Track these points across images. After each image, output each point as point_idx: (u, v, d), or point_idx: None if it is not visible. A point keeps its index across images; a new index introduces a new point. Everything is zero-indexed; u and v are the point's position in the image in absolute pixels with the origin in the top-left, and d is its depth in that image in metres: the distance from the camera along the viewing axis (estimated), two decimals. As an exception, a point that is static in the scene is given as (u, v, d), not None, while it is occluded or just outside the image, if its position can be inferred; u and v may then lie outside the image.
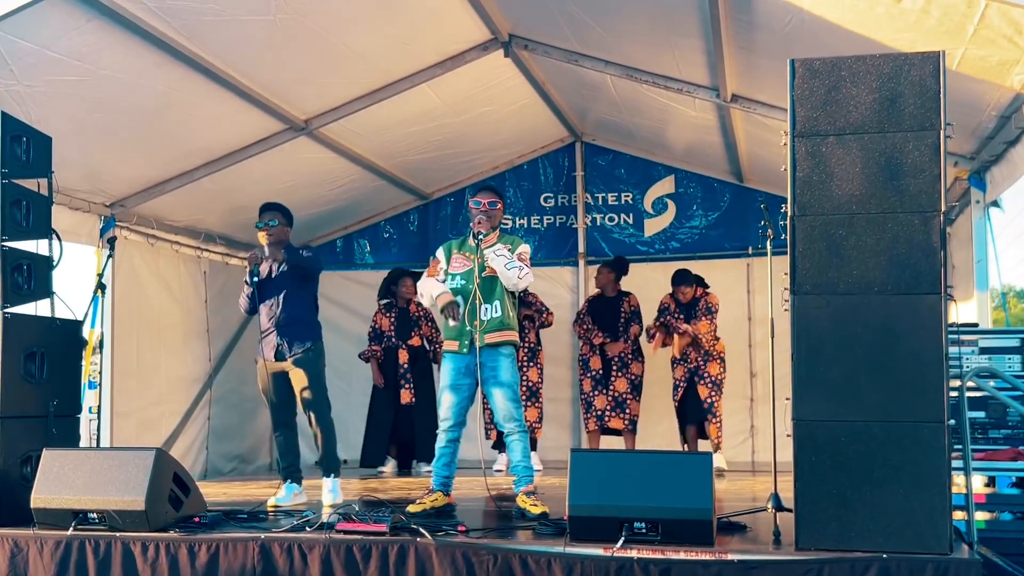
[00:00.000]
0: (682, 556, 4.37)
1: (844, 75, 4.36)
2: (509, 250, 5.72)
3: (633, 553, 4.40)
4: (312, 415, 6.33)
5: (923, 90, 4.28)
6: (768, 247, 5.15)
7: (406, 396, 8.80)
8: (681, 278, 8.54)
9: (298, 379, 6.30)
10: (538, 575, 4.49)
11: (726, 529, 4.92)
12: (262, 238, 6.41)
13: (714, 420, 8.36)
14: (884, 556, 4.17)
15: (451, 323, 5.66)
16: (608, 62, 7.37)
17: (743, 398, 9.40)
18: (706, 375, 8.35)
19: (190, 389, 9.03)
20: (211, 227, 9.15)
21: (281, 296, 6.34)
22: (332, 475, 6.42)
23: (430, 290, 5.78)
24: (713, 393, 8.36)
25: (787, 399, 4.76)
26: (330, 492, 6.37)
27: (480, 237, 5.72)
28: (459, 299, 5.67)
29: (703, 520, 4.44)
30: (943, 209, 4.23)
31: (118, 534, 4.95)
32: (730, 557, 4.33)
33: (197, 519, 5.11)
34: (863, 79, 4.34)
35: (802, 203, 4.40)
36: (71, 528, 4.98)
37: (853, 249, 4.33)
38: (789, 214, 4.41)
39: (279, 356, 6.30)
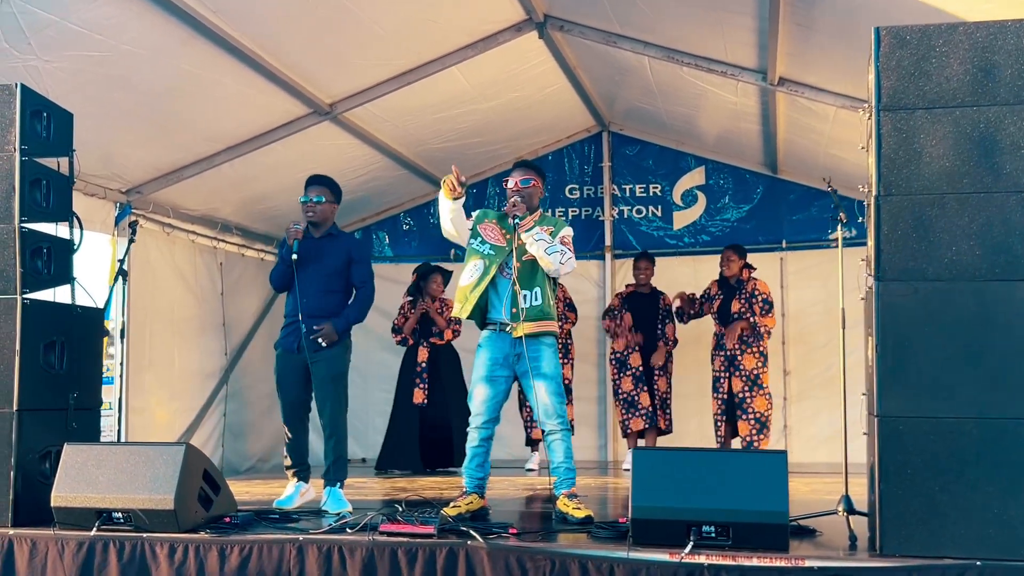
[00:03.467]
0: (755, 562, 4.06)
1: (934, 44, 4.05)
2: (550, 234, 5.29)
3: (702, 559, 4.09)
4: (326, 417, 5.80)
5: (1020, 60, 3.97)
6: (839, 232, 4.82)
7: (419, 396, 8.50)
8: (733, 246, 8.29)
9: (319, 376, 5.76)
10: (598, 582, 4.18)
11: (794, 534, 4.60)
12: (305, 214, 5.89)
13: (745, 417, 8.03)
14: (978, 563, 3.86)
15: (454, 185, 5.17)
16: (648, 43, 7.07)
17: (776, 396, 9.08)
18: (741, 367, 8.03)
19: (205, 384, 8.71)
20: (227, 217, 8.83)
21: (316, 285, 5.80)
22: (337, 485, 5.78)
23: (441, 212, 5.36)
24: (747, 388, 8.03)
25: (863, 394, 4.47)
26: (331, 503, 5.69)
27: (516, 221, 5.27)
28: (481, 264, 5.31)
29: (778, 524, 4.13)
30: (1042, 189, 3.92)
31: (145, 535, 4.63)
32: (808, 564, 4.02)
33: (228, 519, 4.79)
34: (955, 49, 4.03)
35: (887, 182, 4.07)
36: (95, 528, 4.66)
37: (943, 232, 4.01)
38: (873, 194, 4.09)
39: (302, 349, 5.73)
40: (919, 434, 3.99)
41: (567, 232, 5.39)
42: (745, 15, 6.00)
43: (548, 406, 5.24)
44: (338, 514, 5.46)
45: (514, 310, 5.26)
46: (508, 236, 5.36)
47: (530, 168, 5.53)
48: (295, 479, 5.86)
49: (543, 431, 5.36)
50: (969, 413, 3.94)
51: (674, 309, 8.49)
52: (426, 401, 8.49)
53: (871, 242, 4.16)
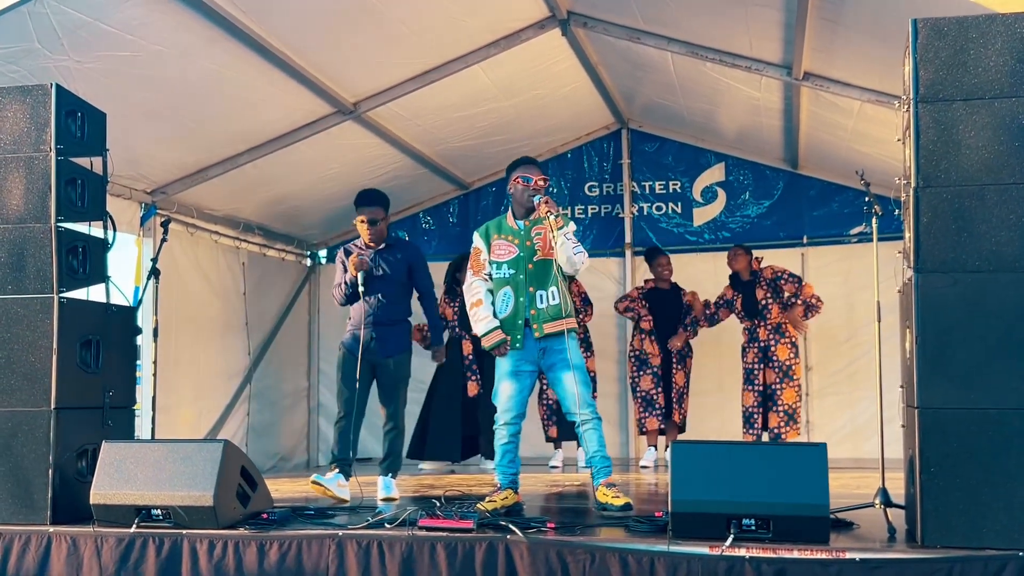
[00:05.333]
0: (796, 555, 4.05)
1: (972, 36, 4.04)
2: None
3: (743, 552, 4.09)
4: (389, 413, 6.19)
5: (1060, 51, 3.97)
6: (873, 226, 4.81)
7: (473, 388, 8.44)
8: (739, 245, 8.43)
9: (386, 378, 6.16)
10: None
11: (832, 527, 4.57)
12: (364, 234, 6.19)
13: (775, 408, 8.03)
14: (1020, 554, 3.85)
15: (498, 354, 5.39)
16: (672, 39, 7.07)
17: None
18: (775, 358, 8.04)
19: (229, 384, 8.76)
20: (249, 217, 8.87)
21: (382, 295, 6.14)
22: (391, 475, 6.21)
23: (475, 318, 5.42)
24: (779, 379, 8.03)
25: (901, 387, 4.47)
26: (384, 488, 6.13)
27: (550, 217, 5.20)
28: (509, 292, 5.33)
29: (819, 517, 4.13)
30: (1083, 179, 3.92)
31: (184, 531, 4.65)
32: (849, 556, 4.02)
33: (265, 515, 4.80)
34: (992, 40, 4.02)
35: (926, 174, 4.07)
36: (134, 526, 4.68)
37: (983, 223, 4.01)
38: (912, 185, 4.09)
39: (371, 353, 6.09)
40: (960, 425, 3.99)
41: (572, 228, 5.36)
42: (772, 8, 6.00)
43: (577, 396, 5.25)
44: (387, 499, 5.94)
45: (532, 312, 5.28)
46: (517, 241, 5.37)
47: (541, 167, 5.58)
48: (336, 470, 6.02)
49: (574, 422, 5.37)
50: (1011, 404, 3.94)
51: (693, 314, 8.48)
52: (481, 390, 8.41)
53: (909, 234, 4.17)
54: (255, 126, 7.29)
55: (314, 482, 5.85)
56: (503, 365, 5.38)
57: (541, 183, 5.41)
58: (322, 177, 8.54)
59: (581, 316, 8.48)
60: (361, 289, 6.06)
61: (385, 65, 7.07)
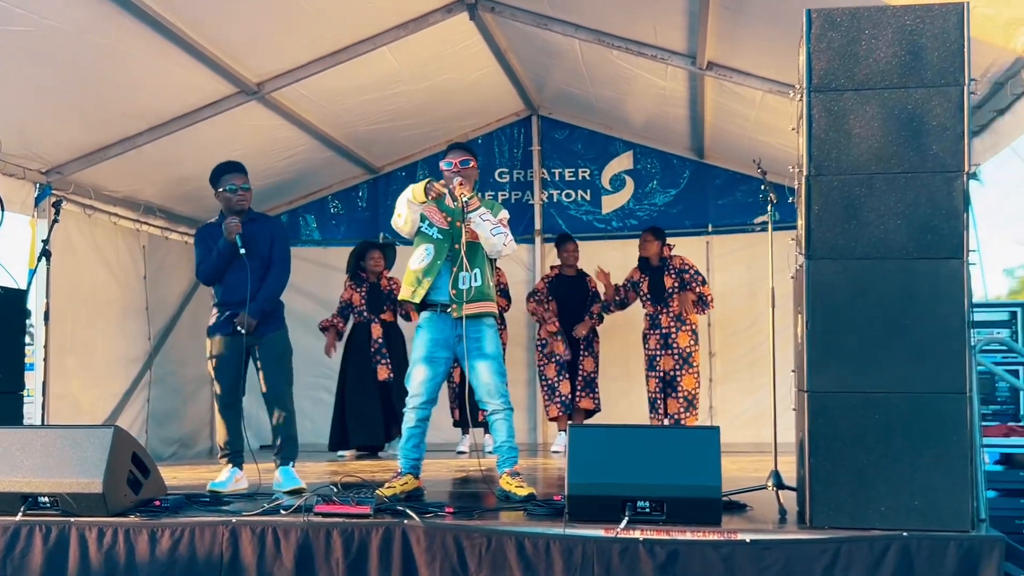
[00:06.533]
0: (689, 536, 4.12)
1: (864, 27, 4.12)
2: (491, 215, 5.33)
3: (637, 534, 4.14)
4: (275, 398, 5.85)
5: (946, 43, 4.06)
6: (769, 213, 4.89)
7: (383, 372, 8.37)
8: (651, 229, 8.44)
9: (265, 359, 5.84)
10: (534, 559, 4.19)
11: (725, 509, 4.66)
12: (234, 202, 5.89)
13: (675, 395, 8.13)
14: (904, 534, 3.96)
15: (435, 196, 5.21)
16: (579, 26, 7.09)
17: (703, 377, 9.18)
18: (675, 345, 8.13)
19: (128, 370, 8.54)
20: (150, 199, 8.64)
21: (249, 273, 5.73)
22: (290, 463, 5.86)
23: (401, 202, 5.31)
24: (678, 366, 8.12)
25: (792, 371, 4.55)
26: (285, 482, 5.79)
27: (465, 200, 5.24)
28: (431, 249, 5.28)
29: (711, 498, 4.19)
30: (967, 169, 4.03)
31: (72, 519, 4.53)
32: (741, 537, 4.09)
33: (158, 503, 4.71)
34: (883, 31, 4.11)
35: (818, 162, 4.15)
36: (19, 514, 4.55)
37: (871, 211, 4.10)
38: (804, 174, 4.17)
39: (244, 335, 5.74)
40: (847, 409, 4.08)
41: (505, 214, 5.44)
42: (676, -4, 6.07)
43: (490, 386, 5.27)
44: (292, 491, 5.55)
45: (454, 292, 5.26)
46: (449, 219, 5.36)
47: (467, 150, 5.53)
48: (229, 464, 5.82)
49: (485, 411, 5.37)
50: (895, 388, 4.04)
51: (602, 297, 8.53)
52: (392, 375, 8.36)
53: (801, 221, 4.24)
54: (154, 105, 7.11)
55: (211, 491, 5.56)
56: (419, 349, 5.36)
57: (458, 166, 5.40)
58: (226, 159, 8.33)
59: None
60: (242, 251, 5.69)
61: (289, 45, 6.96)
